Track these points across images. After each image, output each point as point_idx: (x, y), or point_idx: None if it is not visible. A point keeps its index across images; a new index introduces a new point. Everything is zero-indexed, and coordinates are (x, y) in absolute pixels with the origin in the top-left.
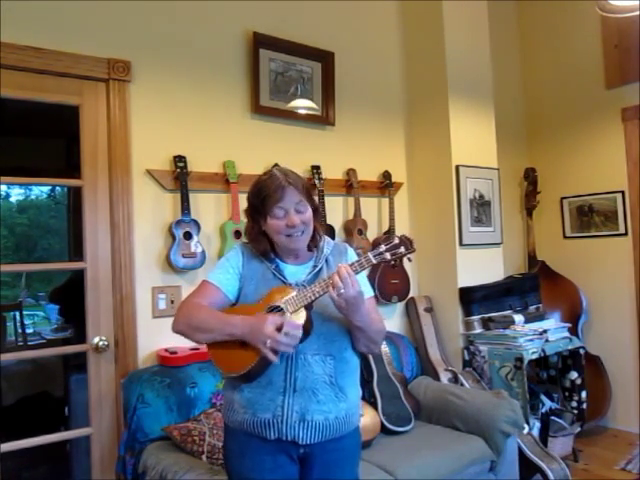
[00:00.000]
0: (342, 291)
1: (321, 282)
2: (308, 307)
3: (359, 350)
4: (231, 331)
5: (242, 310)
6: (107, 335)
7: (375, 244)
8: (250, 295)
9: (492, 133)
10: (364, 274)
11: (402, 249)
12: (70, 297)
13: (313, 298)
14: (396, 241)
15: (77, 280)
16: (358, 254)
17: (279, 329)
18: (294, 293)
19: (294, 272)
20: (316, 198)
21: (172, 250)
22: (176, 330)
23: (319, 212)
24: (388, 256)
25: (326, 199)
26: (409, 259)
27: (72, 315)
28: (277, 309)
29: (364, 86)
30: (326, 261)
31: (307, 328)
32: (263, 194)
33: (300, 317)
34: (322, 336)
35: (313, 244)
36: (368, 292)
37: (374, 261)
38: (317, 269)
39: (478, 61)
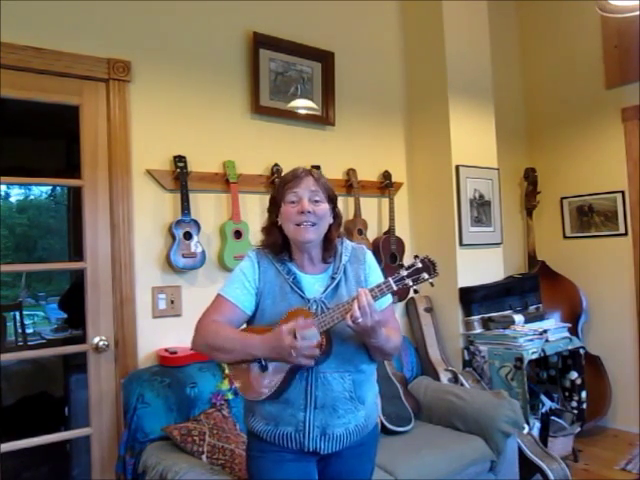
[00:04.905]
0: (359, 321)
1: (340, 307)
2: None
3: (375, 359)
4: (252, 352)
5: (259, 332)
6: (107, 335)
7: (375, 245)
8: (268, 309)
9: (492, 133)
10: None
11: (425, 275)
12: (79, 303)
13: (331, 324)
14: (419, 265)
15: (81, 283)
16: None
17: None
18: (312, 318)
19: (312, 284)
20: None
21: (172, 250)
22: (195, 350)
23: (339, 222)
24: (410, 282)
25: None
26: (431, 284)
27: (81, 320)
28: None
29: (364, 86)
30: (344, 271)
31: (326, 350)
32: (282, 183)
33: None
34: (340, 356)
35: (329, 254)
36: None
37: (395, 288)
38: (335, 282)
39: (478, 61)
